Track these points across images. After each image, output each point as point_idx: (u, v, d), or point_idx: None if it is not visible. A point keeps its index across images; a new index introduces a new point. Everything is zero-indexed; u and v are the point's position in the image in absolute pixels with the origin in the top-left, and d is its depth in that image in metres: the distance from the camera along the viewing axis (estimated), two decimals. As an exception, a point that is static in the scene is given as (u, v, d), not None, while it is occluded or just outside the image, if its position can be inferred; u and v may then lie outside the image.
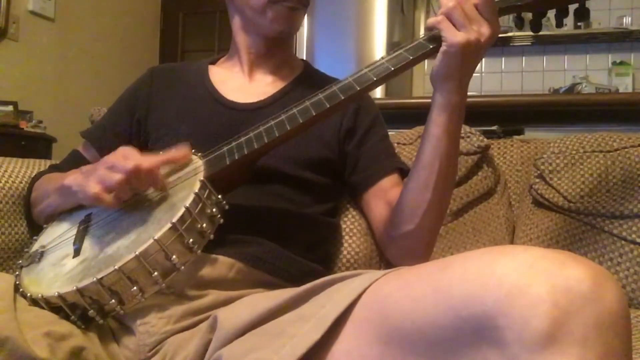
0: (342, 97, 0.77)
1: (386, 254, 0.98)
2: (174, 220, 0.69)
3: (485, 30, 0.75)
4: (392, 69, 0.78)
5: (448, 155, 0.81)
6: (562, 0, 0.81)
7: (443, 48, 0.76)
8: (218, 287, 0.77)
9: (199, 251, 0.72)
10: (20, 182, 1.03)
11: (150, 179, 0.76)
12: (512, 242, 1.17)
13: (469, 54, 0.76)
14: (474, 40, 0.74)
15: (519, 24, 0.88)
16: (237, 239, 0.81)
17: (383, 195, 0.95)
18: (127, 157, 0.74)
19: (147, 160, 0.75)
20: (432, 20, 0.77)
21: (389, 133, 1.05)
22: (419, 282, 0.55)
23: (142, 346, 0.72)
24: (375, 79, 0.78)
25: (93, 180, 0.75)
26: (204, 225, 0.72)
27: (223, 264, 0.78)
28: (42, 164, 1.11)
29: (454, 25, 0.74)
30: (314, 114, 0.78)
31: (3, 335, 0.59)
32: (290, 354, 0.57)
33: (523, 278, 0.47)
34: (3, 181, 1.01)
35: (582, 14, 0.82)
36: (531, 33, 3.16)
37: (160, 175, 0.77)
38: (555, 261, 0.48)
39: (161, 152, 0.82)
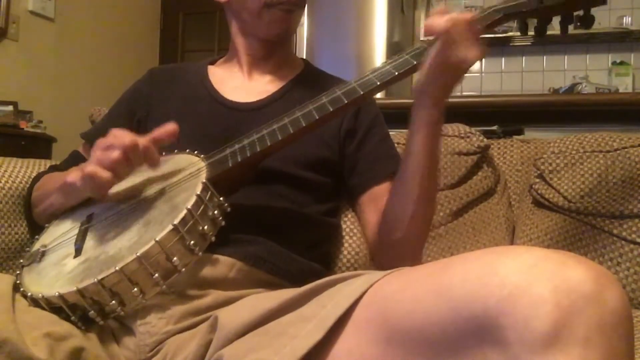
0: (346, 101, 0.78)
1: (375, 260, 0.99)
2: (176, 221, 0.69)
3: (471, 54, 0.75)
4: (396, 73, 0.79)
5: (428, 170, 0.82)
6: (568, 7, 0.81)
7: (429, 62, 0.76)
8: (218, 286, 0.77)
9: (200, 253, 0.72)
10: (20, 182, 1.03)
11: (146, 154, 0.75)
12: (512, 242, 1.17)
13: (450, 73, 0.76)
14: (457, 62, 0.75)
15: (523, 30, 0.88)
16: (238, 239, 0.81)
17: (375, 201, 0.95)
18: (121, 136, 0.74)
19: (142, 138, 0.75)
20: (433, 25, 0.75)
21: (389, 133, 1.05)
22: (420, 283, 0.55)
23: (142, 346, 0.72)
24: (378, 83, 0.78)
25: (90, 163, 0.75)
26: (206, 227, 0.72)
27: (223, 264, 0.78)
28: (42, 164, 1.11)
29: (448, 42, 0.74)
30: (317, 117, 0.78)
31: (2, 337, 0.59)
32: (291, 354, 0.57)
33: (525, 278, 0.47)
34: (3, 181, 1.01)
35: (587, 21, 0.82)
36: (531, 33, 3.16)
37: (155, 151, 0.77)
38: (557, 262, 0.48)
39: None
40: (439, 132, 0.82)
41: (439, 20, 0.75)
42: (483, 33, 0.78)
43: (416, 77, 0.80)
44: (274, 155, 0.84)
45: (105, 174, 0.73)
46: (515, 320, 0.46)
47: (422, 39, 3.08)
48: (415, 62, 0.79)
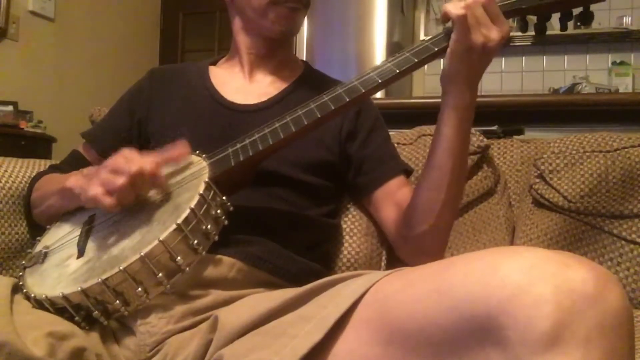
0: (347, 99, 0.78)
1: (400, 253, 0.98)
2: (179, 221, 0.69)
3: (494, 34, 0.76)
4: (397, 71, 0.78)
5: (460, 155, 0.82)
6: (567, 4, 0.81)
7: (450, 48, 0.77)
8: (219, 286, 0.77)
9: (204, 252, 0.72)
10: (20, 182, 1.03)
11: (153, 181, 0.75)
12: (512, 242, 1.17)
13: (477, 56, 0.76)
14: (480, 44, 0.75)
15: (523, 27, 0.88)
16: (238, 239, 0.81)
17: (391, 196, 0.95)
18: (129, 160, 0.73)
19: (149, 163, 0.74)
20: (451, 10, 0.76)
21: (389, 133, 1.05)
22: (421, 283, 0.55)
23: (142, 346, 0.72)
24: (380, 80, 0.78)
25: (95, 182, 0.74)
26: (209, 226, 0.72)
27: (224, 264, 0.78)
28: (42, 164, 1.11)
29: (466, 26, 0.75)
30: (319, 116, 0.78)
31: (0, 339, 0.59)
32: (291, 355, 0.57)
33: (526, 279, 0.47)
34: (3, 181, 1.01)
35: (586, 18, 0.82)
36: (532, 33, 3.16)
37: (163, 177, 0.77)
38: (558, 262, 0.48)
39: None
40: (471, 116, 0.82)
41: (455, 6, 0.75)
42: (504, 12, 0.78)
43: (443, 62, 0.80)
44: (274, 158, 0.84)
45: (109, 201, 0.72)
46: (517, 321, 0.46)
47: (422, 38, 3.08)
48: (416, 60, 0.79)
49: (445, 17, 0.77)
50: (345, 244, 1.04)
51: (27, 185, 1.00)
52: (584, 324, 0.45)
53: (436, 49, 0.79)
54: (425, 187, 0.85)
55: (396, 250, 0.99)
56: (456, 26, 0.76)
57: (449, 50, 0.78)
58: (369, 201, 1.00)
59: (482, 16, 0.75)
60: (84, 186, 0.75)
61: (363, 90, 0.78)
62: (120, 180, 0.72)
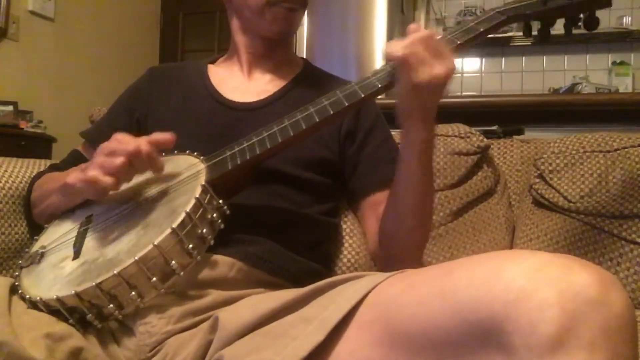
0: (346, 104, 0.78)
1: (377, 266, 1.00)
2: (174, 225, 0.69)
3: (438, 70, 0.73)
4: None
5: (422, 186, 0.82)
6: (571, 10, 0.81)
7: (398, 89, 0.76)
8: (218, 286, 0.77)
9: (199, 257, 0.72)
10: (20, 182, 1.03)
11: (150, 160, 0.76)
12: (512, 242, 1.17)
13: (426, 94, 0.74)
14: (426, 82, 0.73)
15: (527, 33, 0.88)
16: (238, 239, 0.81)
17: (375, 208, 0.95)
18: (124, 142, 0.74)
19: (144, 143, 0.75)
20: (391, 55, 0.74)
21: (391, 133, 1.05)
22: (424, 286, 0.55)
23: (142, 346, 0.72)
24: (380, 85, 0.78)
25: (92, 167, 0.74)
26: (205, 230, 0.72)
27: (223, 264, 0.78)
28: (42, 164, 1.11)
29: (409, 67, 0.73)
30: (318, 120, 0.78)
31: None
32: (292, 355, 0.57)
33: (530, 283, 0.47)
34: (3, 181, 1.01)
35: (591, 24, 0.82)
36: (533, 33, 3.16)
37: (159, 158, 0.77)
38: (562, 266, 0.48)
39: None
40: (430, 148, 0.81)
41: (396, 47, 0.73)
42: (454, 45, 0.78)
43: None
44: (274, 156, 0.84)
45: (107, 180, 0.73)
46: (521, 325, 0.46)
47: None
48: None
49: (388, 59, 0.75)
50: (346, 244, 1.04)
51: (27, 185, 1.00)
52: (588, 328, 0.45)
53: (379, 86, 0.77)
54: (391, 215, 0.86)
55: (375, 262, 1.01)
56: (399, 67, 0.74)
57: (397, 90, 0.76)
58: (357, 209, 1.01)
59: (423, 54, 0.73)
60: (82, 176, 0.75)
61: (362, 95, 0.78)
62: (119, 160, 0.73)
